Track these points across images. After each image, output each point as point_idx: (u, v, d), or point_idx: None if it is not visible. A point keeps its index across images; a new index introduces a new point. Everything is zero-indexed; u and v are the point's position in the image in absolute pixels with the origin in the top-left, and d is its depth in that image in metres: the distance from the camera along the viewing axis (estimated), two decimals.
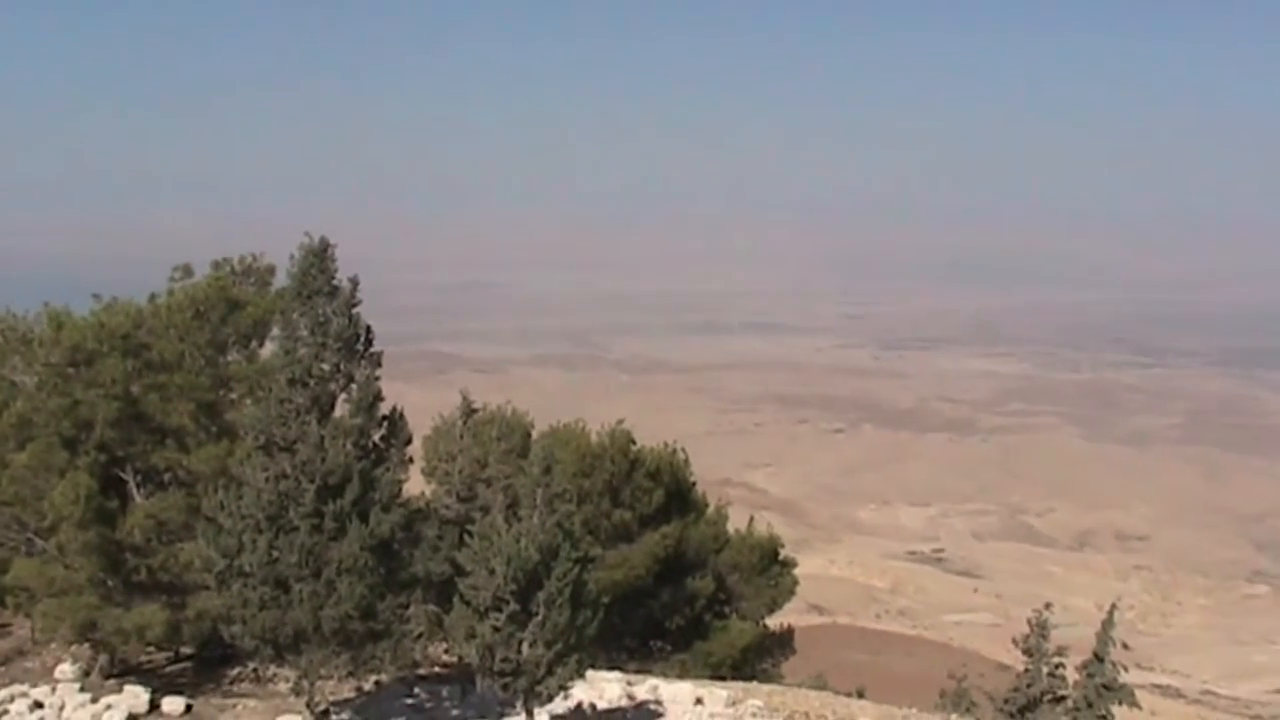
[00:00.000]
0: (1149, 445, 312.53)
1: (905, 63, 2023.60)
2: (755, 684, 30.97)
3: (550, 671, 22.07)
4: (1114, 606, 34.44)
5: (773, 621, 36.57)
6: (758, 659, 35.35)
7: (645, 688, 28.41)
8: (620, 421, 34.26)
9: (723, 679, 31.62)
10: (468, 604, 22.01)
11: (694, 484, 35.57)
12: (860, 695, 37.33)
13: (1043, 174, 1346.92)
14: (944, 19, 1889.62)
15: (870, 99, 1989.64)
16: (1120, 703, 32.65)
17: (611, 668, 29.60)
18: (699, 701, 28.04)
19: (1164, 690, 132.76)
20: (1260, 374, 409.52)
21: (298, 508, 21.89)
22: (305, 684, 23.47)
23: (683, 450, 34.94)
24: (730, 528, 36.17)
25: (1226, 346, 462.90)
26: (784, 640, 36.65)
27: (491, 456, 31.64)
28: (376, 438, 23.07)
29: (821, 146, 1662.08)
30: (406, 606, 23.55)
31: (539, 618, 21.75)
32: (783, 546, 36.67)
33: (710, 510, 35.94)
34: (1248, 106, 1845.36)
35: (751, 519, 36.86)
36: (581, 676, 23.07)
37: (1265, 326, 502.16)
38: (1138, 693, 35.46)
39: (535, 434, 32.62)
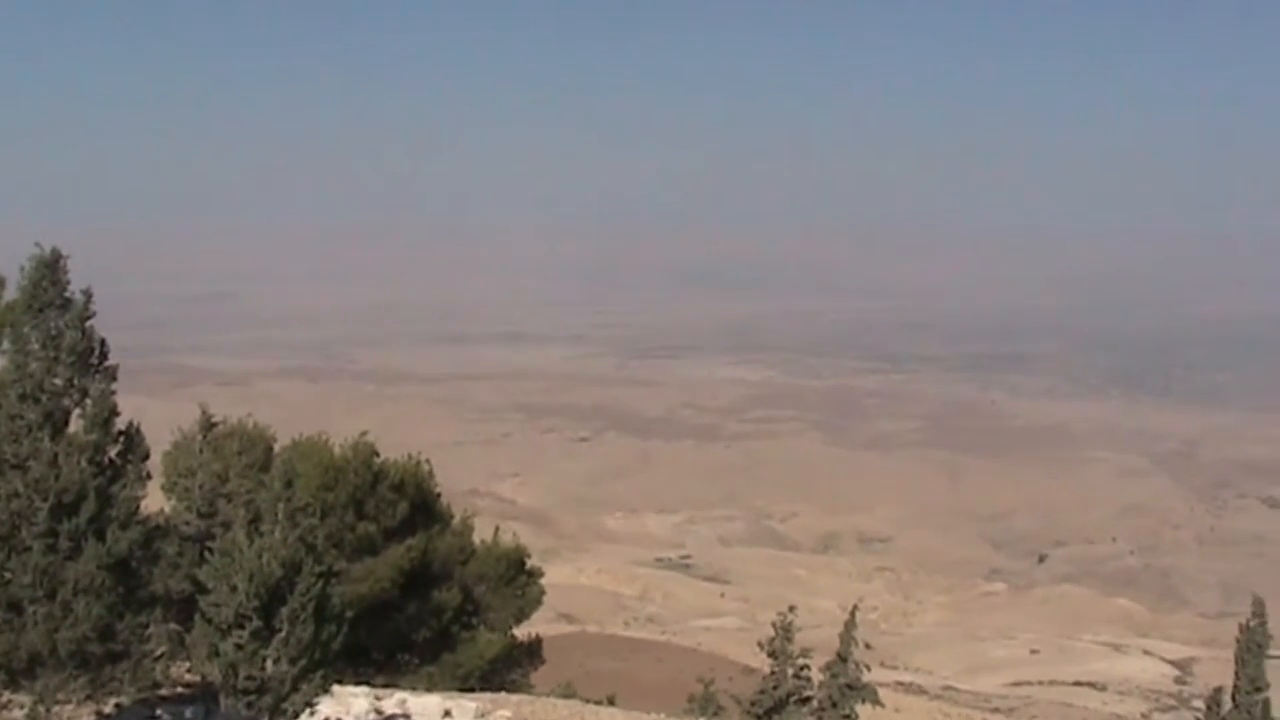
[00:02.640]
0: (890, 449, 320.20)
1: (652, 69, 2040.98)
2: (504, 695, 30.97)
3: (295, 688, 21.77)
4: (856, 607, 35.26)
5: (521, 631, 36.55)
6: (506, 669, 35.29)
7: (393, 701, 28.21)
8: (364, 433, 33.97)
9: (471, 690, 31.55)
10: (209, 622, 21.59)
11: (439, 495, 35.39)
12: (610, 702, 37.56)
13: (787, 183, 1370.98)
14: (696, 22, 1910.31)
15: (618, 107, 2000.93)
16: (864, 701, 33.42)
17: (358, 682, 29.31)
18: (447, 714, 27.94)
19: (907, 687, 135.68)
20: (996, 378, 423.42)
21: (30, 527, 21.23)
22: (42, 709, 22.77)
23: (427, 461, 34.74)
24: (477, 538, 36.06)
25: (964, 352, 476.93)
26: (532, 650, 36.65)
27: (232, 471, 31.07)
28: (113, 453, 22.46)
29: (570, 156, 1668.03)
30: (146, 626, 22.99)
31: (282, 634, 21.43)
32: (529, 556, 36.69)
33: (456, 521, 35.78)
34: (984, 113, 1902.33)
35: (497, 529, 36.83)
36: (327, 692, 22.81)
37: (1001, 332, 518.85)
38: (881, 690, 36.38)
39: (278, 447, 32.14)
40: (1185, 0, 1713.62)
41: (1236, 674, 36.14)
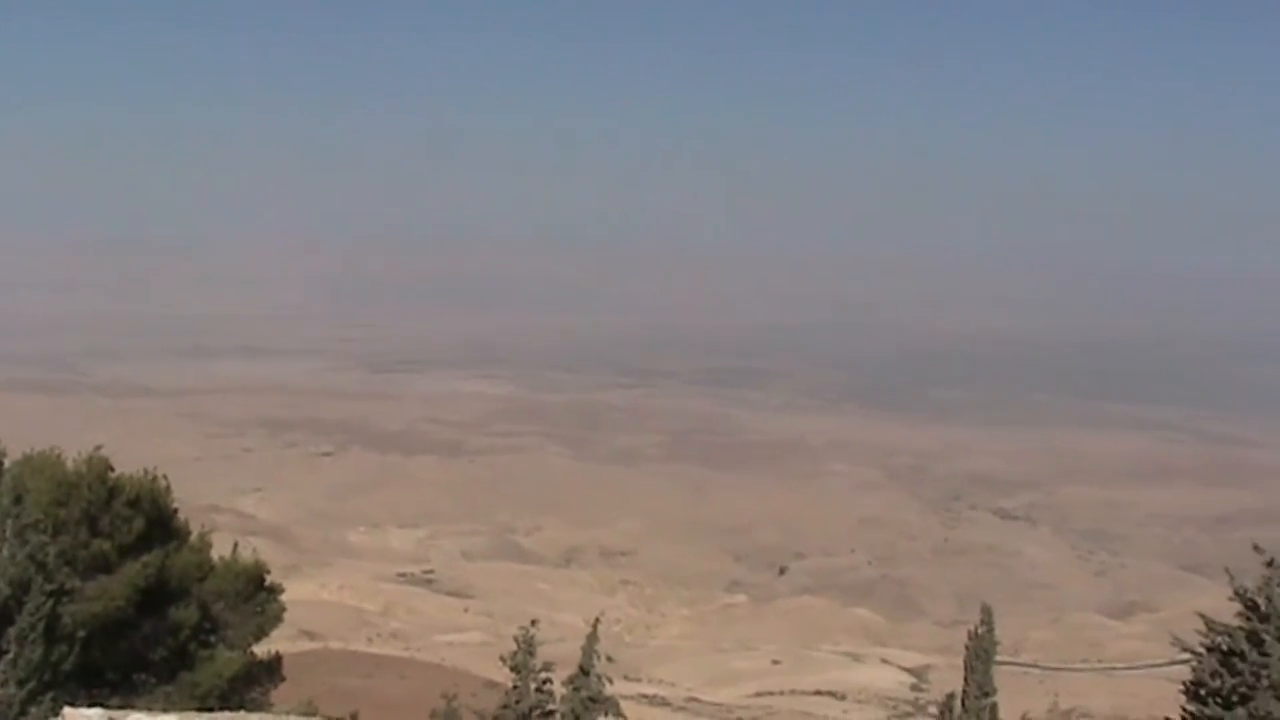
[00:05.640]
0: (633, 463, 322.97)
1: (397, 83, 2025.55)
2: (243, 714, 30.28)
3: (24, 711, 21.12)
4: (598, 620, 35.33)
5: (261, 649, 35.80)
6: (245, 688, 34.48)
7: None
8: (99, 448, 32.92)
9: (210, 710, 30.77)
10: None
11: (177, 511, 34.47)
12: (353, 719, 37.05)
13: (530, 198, 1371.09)
14: (444, 31, 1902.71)
15: (362, 122, 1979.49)
16: (607, 714, 33.47)
17: (92, 704, 28.37)
18: None
19: (651, 699, 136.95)
20: (736, 393, 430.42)
21: None
22: None
23: (165, 476, 33.80)
24: (216, 555, 35.24)
25: (705, 367, 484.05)
26: (272, 668, 35.89)
27: None
28: None
29: (312, 170, 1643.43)
30: None
31: (10, 655, 20.78)
32: (269, 572, 35.91)
33: (194, 537, 34.90)
34: (725, 136, 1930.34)
35: (236, 545, 36.02)
36: (58, 715, 22.12)
37: (741, 349, 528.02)
38: (625, 703, 36.48)
39: (8, 463, 31.00)
40: (910, 33, 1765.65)
41: (966, 680, 36.97)
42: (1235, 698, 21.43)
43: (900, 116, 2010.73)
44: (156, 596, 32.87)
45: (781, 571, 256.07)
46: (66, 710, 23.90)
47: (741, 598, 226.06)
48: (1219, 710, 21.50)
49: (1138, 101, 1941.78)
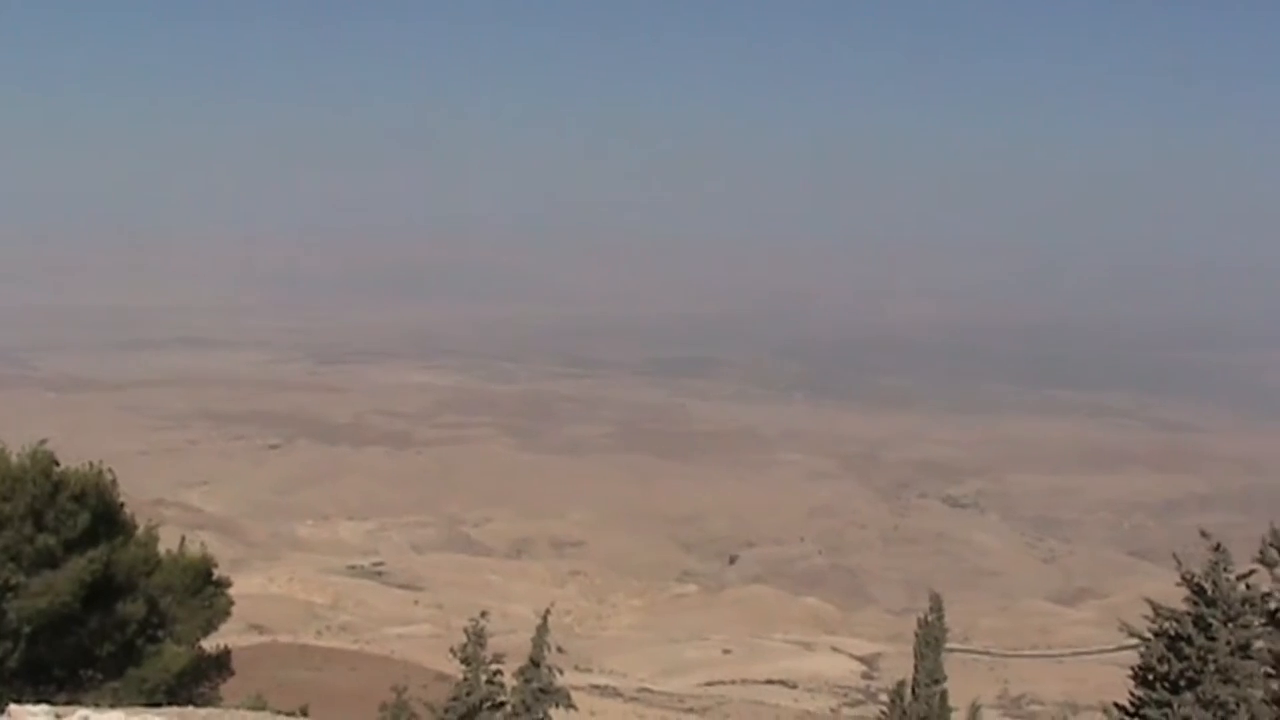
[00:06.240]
0: (583, 454, 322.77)
1: (331, 76, 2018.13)
2: (191, 708, 30.05)
3: None
4: (548, 612, 35.32)
5: (209, 643, 35.57)
6: (194, 683, 34.21)
7: (75, 719, 27.22)
8: (43, 442, 32.62)
9: (158, 705, 30.56)
10: None
11: (123, 505, 34.20)
12: (302, 713, 36.81)
13: (475, 189, 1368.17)
14: (371, 23, 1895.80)
15: (300, 114, 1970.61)
16: (557, 705, 33.47)
17: (39, 701, 28.12)
18: None
19: (602, 690, 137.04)
20: (685, 383, 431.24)
21: None
22: None
23: (110, 470, 33.51)
24: (163, 549, 34.97)
25: (654, 357, 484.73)
26: (221, 662, 35.63)
27: None
28: None
29: (257, 162, 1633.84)
30: None
31: None
32: (217, 566, 35.65)
33: (140, 531, 34.63)
34: (670, 122, 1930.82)
35: (184, 539, 35.71)
36: (3, 712, 21.89)
37: (687, 338, 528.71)
38: (576, 694, 36.49)
39: None
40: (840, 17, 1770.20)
41: (916, 668, 37.16)
42: (1183, 682, 21.56)
43: (846, 104, 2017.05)
44: (103, 591, 32.61)
45: (732, 561, 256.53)
46: (12, 707, 23.67)
47: (692, 587, 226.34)
48: (1166, 694, 21.63)
49: (1080, 85, 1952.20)
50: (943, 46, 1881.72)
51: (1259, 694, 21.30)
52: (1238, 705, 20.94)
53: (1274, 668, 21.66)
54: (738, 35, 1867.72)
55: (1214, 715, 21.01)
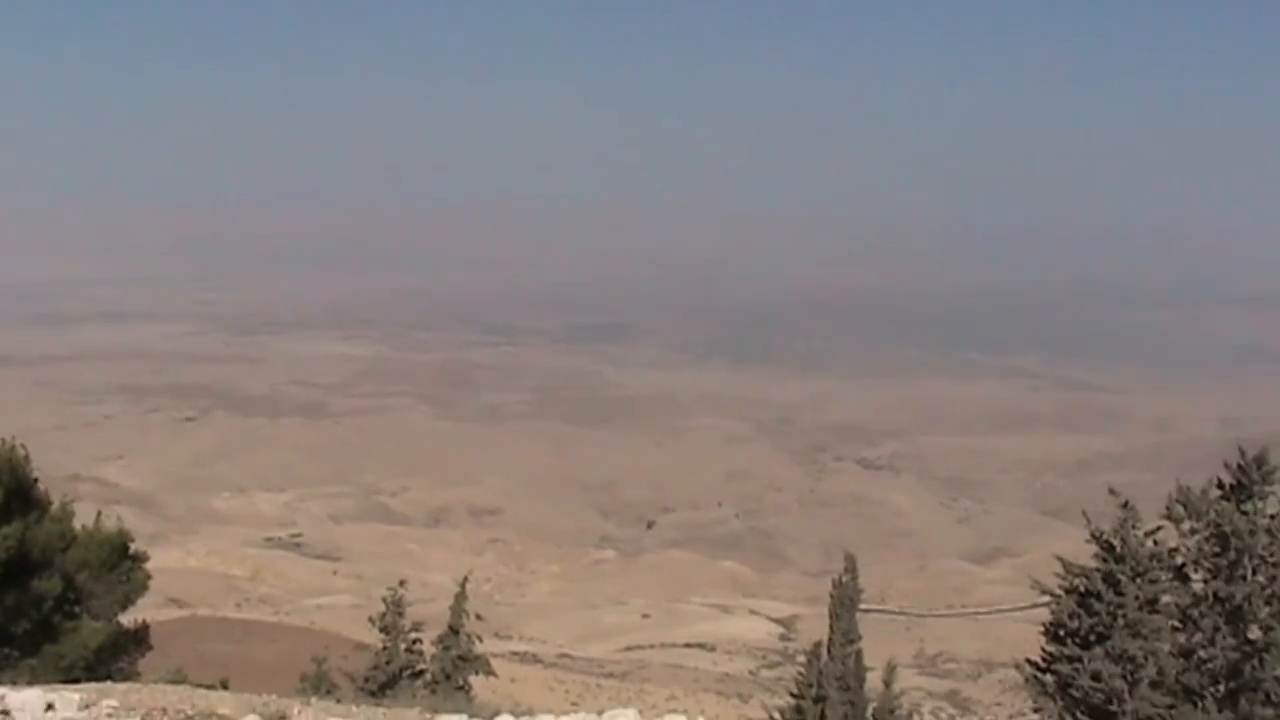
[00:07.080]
0: (500, 421, 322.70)
1: (254, 48, 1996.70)
2: (110, 684, 29.89)
3: None
4: (466, 580, 35.48)
5: (127, 618, 35.42)
6: (112, 658, 34.08)
7: None
8: None
9: (76, 681, 30.38)
10: None
11: (37, 481, 33.94)
12: (223, 686, 36.65)
13: (387, 160, 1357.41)
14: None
15: (221, 86, 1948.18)
16: (477, 673, 33.67)
17: None
18: (50, 707, 26.78)
19: (522, 657, 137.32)
20: (601, 349, 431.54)
21: None
22: None
23: (23, 446, 33.24)
24: (79, 524, 34.75)
25: (569, 323, 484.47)
26: (139, 637, 35.48)
27: None
28: None
29: (170, 133, 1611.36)
30: None
31: None
32: (134, 540, 35.49)
33: (55, 507, 34.39)
34: (584, 91, 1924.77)
35: (100, 514, 35.49)
36: None
37: (601, 304, 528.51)
38: (496, 661, 36.70)
39: None
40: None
41: (831, 628, 37.63)
42: (1093, 637, 22.00)
43: (763, 70, 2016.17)
44: (18, 569, 32.38)
45: (649, 526, 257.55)
46: None
47: (610, 553, 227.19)
48: (1077, 649, 22.06)
49: (990, 48, 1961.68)
50: (866, 17, 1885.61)
51: (1166, 647, 21.76)
52: (1146, 658, 21.39)
53: (1180, 622, 22.13)
54: (660, 5, 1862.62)
55: (1123, 669, 21.46)
